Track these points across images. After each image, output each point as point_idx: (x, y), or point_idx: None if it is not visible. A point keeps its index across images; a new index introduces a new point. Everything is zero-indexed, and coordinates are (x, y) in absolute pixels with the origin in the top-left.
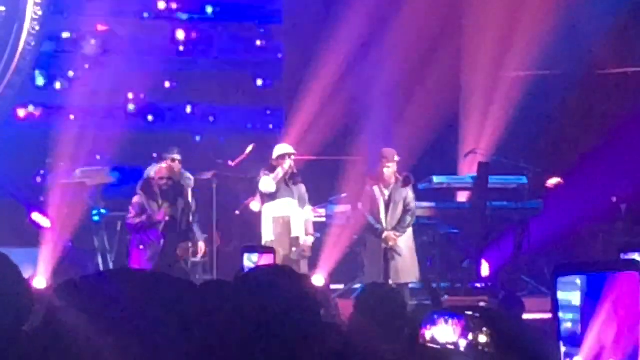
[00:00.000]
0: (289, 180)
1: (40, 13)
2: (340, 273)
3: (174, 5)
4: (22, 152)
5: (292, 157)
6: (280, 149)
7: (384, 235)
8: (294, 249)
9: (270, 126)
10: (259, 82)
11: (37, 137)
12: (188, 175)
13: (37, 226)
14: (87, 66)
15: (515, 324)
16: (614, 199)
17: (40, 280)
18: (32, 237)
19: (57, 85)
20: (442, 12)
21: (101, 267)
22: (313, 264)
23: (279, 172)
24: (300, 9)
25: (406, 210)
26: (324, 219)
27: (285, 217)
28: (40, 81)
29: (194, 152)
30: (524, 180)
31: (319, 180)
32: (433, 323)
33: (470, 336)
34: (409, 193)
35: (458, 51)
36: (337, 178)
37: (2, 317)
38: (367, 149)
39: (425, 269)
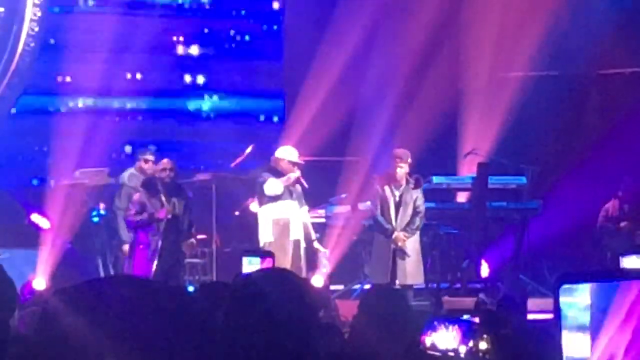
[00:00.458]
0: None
1: (39, 14)
2: (339, 274)
3: None
4: (22, 152)
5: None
6: (287, 154)
7: (394, 236)
8: (301, 253)
9: (275, 118)
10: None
11: (37, 137)
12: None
13: (37, 227)
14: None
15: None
16: (616, 201)
17: (39, 281)
18: (31, 238)
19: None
20: (441, 13)
21: (101, 268)
22: (312, 265)
23: (291, 177)
24: (301, 11)
25: (416, 212)
26: (323, 220)
27: (284, 219)
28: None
29: (194, 152)
30: (524, 180)
31: (319, 180)
32: (433, 329)
33: (471, 343)
34: (419, 195)
35: (457, 52)
36: (337, 179)
37: None
38: (367, 149)
39: (425, 269)
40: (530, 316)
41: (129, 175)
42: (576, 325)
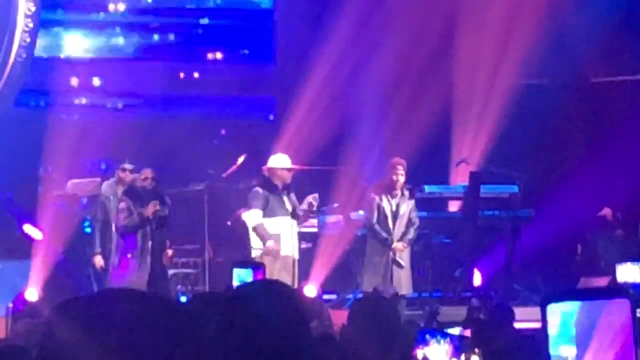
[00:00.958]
0: (283, 192)
1: (31, 25)
2: (332, 283)
3: None
4: (14, 163)
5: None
6: (280, 162)
7: (393, 246)
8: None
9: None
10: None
11: (29, 148)
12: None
13: (29, 238)
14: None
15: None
16: (609, 209)
17: (32, 292)
18: (24, 249)
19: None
20: (434, 22)
21: (93, 279)
22: (305, 275)
23: (269, 247)
24: (293, 20)
25: (411, 223)
26: (315, 229)
27: (275, 234)
28: None
29: (186, 162)
30: (516, 189)
31: (310, 190)
32: (425, 343)
33: (463, 357)
34: (413, 206)
35: (450, 60)
36: (329, 188)
37: None
38: (359, 159)
39: (418, 278)
40: (523, 325)
41: (105, 185)
42: (564, 341)
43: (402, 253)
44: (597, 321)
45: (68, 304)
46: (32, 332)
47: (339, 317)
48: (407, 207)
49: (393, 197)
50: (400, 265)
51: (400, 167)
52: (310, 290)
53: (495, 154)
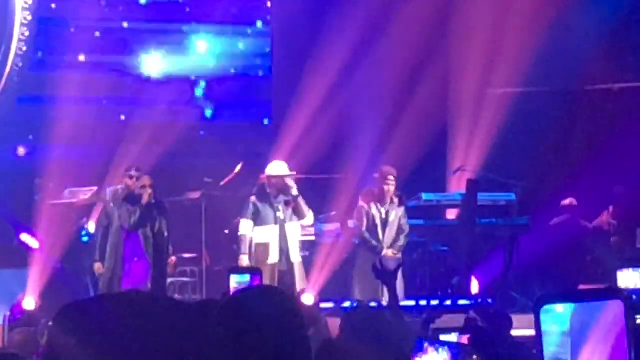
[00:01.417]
0: (278, 200)
1: (27, 34)
2: (330, 291)
3: None
4: (11, 173)
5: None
6: (278, 169)
7: (383, 253)
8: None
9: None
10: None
11: (26, 158)
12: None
13: (26, 247)
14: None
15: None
16: (606, 217)
17: (29, 301)
18: (21, 258)
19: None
20: (429, 29)
21: (90, 288)
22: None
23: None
24: (289, 26)
25: (401, 230)
26: (313, 238)
27: (265, 243)
28: None
29: (183, 171)
30: (513, 196)
31: (308, 198)
32: (423, 351)
33: None
34: (403, 213)
35: (446, 68)
36: (326, 196)
37: None
38: (356, 167)
39: (415, 286)
40: (520, 332)
41: (109, 191)
42: (558, 344)
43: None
44: (591, 323)
45: (69, 310)
46: (29, 340)
47: (336, 326)
48: (396, 214)
49: (382, 204)
50: None
51: (391, 177)
52: (308, 298)
53: (492, 161)
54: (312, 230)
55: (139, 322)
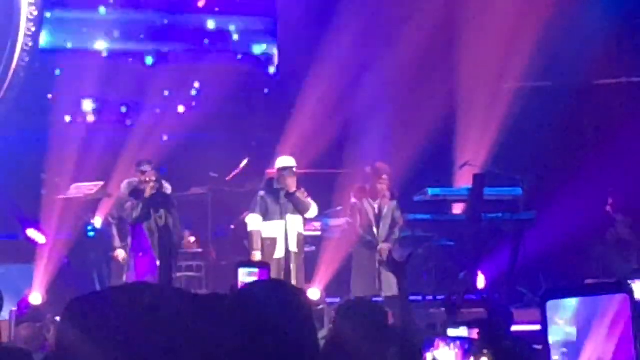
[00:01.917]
0: (290, 197)
1: (33, 29)
2: (336, 286)
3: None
4: (18, 167)
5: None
6: (282, 163)
7: (379, 248)
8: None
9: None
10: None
11: (33, 152)
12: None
13: (32, 242)
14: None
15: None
16: (611, 211)
17: (36, 296)
18: (27, 253)
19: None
20: (437, 25)
21: (96, 283)
22: (309, 278)
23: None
24: (295, 23)
25: (395, 223)
26: (319, 233)
27: (272, 238)
28: None
29: (189, 165)
30: (519, 191)
31: (314, 193)
32: (434, 346)
33: (472, 359)
34: (396, 206)
35: (453, 63)
36: (333, 191)
37: None
38: (363, 161)
39: (422, 281)
40: (527, 327)
41: (124, 184)
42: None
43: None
44: (596, 316)
45: (77, 306)
46: (35, 335)
47: None
48: (389, 207)
49: (374, 200)
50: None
51: (385, 177)
52: (314, 293)
53: (498, 156)
54: (318, 225)
55: (147, 313)
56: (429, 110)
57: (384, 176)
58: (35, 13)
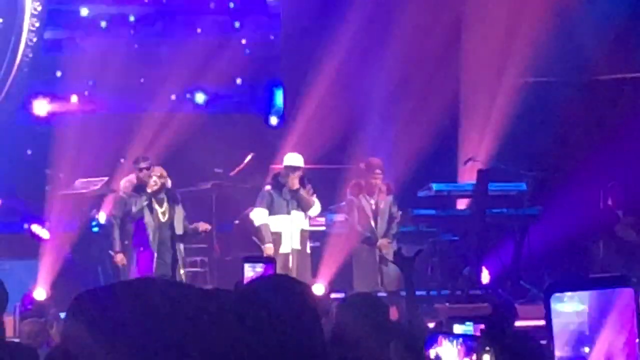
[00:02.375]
0: (293, 194)
1: (37, 24)
2: (340, 282)
3: None
4: (22, 162)
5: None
6: (288, 159)
7: (378, 243)
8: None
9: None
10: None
11: (37, 147)
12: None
13: (37, 238)
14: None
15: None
16: (614, 206)
17: (40, 292)
18: (32, 248)
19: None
20: (441, 20)
21: (101, 278)
22: (313, 273)
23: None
24: (297, 19)
25: (392, 218)
26: (323, 228)
27: (277, 232)
28: None
29: (193, 161)
30: (524, 187)
31: (319, 189)
32: (437, 343)
33: (474, 357)
34: (392, 201)
35: (457, 58)
36: (337, 187)
37: None
38: (367, 157)
39: (426, 276)
40: (531, 322)
41: (122, 182)
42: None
43: (389, 249)
44: (608, 309)
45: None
46: (39, 331)
47: None
48: (386, 203)
49: (371, 195)
50: (387, 262)
51: (378, 171)
52: (319, 288)
53: (503, 151)
54: (322, 220)
55: (152, 309)
56: (433, 106)
57: (377, 171)
58: (40, 8)
